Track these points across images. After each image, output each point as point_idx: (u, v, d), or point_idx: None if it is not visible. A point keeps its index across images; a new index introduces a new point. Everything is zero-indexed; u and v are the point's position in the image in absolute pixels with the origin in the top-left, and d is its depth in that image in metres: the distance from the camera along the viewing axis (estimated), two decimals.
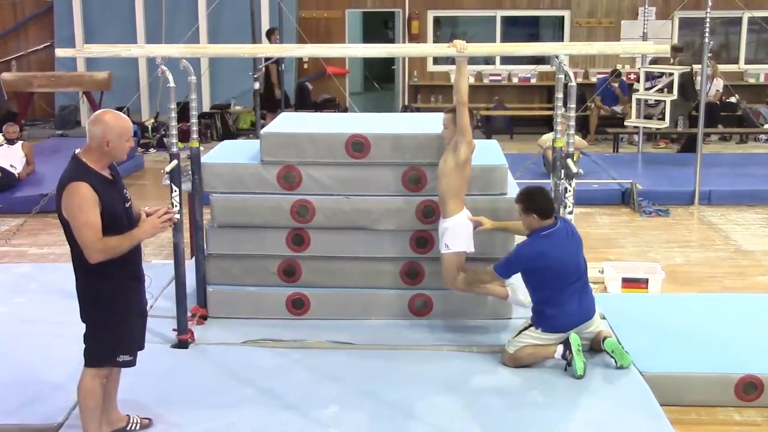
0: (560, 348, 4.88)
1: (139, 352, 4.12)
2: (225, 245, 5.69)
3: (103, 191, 3.78)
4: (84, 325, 3.97)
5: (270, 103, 12.92)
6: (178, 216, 4.52)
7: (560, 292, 4.87)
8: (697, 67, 11.43)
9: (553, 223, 4.93)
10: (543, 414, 4.49)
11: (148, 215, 3.97)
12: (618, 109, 13.87)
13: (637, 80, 13.48)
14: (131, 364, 4.06)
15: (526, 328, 5.00)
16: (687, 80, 12.37)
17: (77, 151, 3.87)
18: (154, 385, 4.73)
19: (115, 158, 3.92)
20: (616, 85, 13.82)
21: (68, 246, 3.88)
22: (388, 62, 16.39)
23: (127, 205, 3.96)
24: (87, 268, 3.81)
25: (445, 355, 5.22)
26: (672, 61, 12.43)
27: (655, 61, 12.43)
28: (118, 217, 3.84)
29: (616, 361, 4.89)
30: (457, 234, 5.18)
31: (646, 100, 11.99)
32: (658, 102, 12.35)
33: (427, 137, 5.56)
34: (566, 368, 4.86)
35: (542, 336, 4.93)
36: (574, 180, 5.10)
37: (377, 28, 17.01)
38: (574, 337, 4.84)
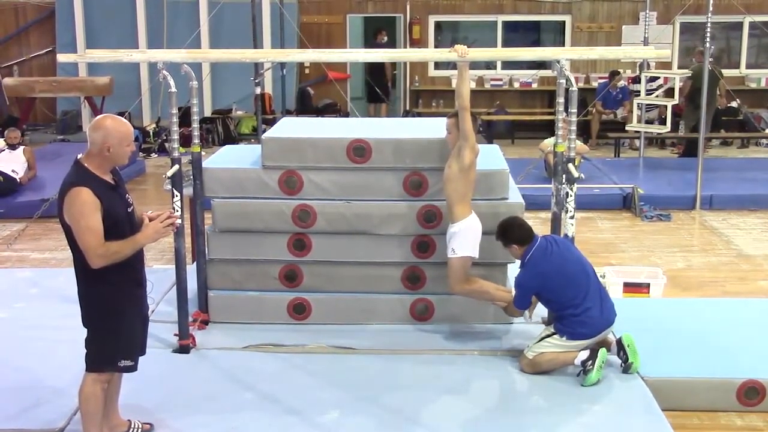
0: (583, 354, 4.85)
1: (140, 357, 4.11)
2: (226, 250, 5.68)
3: (105, 196, 3.78)
4: (85, 330, 3.97)
5: (376, 96, 14.76)
6: (179, 221, 4.53)
7: (577, 299, 4.85)
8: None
9: (531, 243, 4.96)
10: (544, 418, 4.49)
11: (150, 220, 3.97)
12: (619, 113, 13.87)
13: (632, 82, 13.52)
14: (132, 369, 4.05)
15: (548, 336, 4.97)
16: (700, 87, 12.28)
17: (79, 156, 3.87)
18: (156, 390, 4.73)
19: (116, 163, 3.93)
20: (620, 84, 13.79)
21: (70, 251, 3.88)
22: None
23: (129, 209, 3.95)
24: (88, 273, 3.81)
25: (447, 359, 5.22)
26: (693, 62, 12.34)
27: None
28: (120, 222, 3.84)
29: (627, 357, 4.88)
30: (464, 239, 5.17)
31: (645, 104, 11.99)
32: (656, 106, 12.35)
33: (428, 142, 5.56)
34: (579, 374, 4.86)
35: (566, 344, 4.91)
36: (575, 185, 5.10)
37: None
38: (602, 353, 4.82)
